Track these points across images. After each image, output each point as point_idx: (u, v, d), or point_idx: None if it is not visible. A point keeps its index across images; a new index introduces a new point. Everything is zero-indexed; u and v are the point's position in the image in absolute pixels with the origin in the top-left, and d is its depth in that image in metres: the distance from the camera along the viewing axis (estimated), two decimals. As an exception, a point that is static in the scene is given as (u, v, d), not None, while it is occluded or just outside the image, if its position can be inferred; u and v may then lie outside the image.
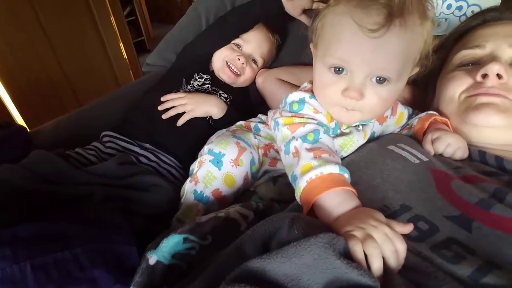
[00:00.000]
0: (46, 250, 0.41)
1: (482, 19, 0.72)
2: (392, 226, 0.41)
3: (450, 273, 0.38)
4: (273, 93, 0.98)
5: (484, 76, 0.62)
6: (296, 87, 0.96)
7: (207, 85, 0.98)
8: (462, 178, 0.53)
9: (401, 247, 0.39)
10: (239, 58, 0.96)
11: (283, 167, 0.66)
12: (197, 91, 0.96)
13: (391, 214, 0.48)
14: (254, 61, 1.01)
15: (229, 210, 0.54)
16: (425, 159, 0.57)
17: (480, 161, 0.60)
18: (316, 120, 0.58)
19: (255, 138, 0.73)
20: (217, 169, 0.64)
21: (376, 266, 0.37)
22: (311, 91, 0.62)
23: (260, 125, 0.75)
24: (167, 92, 0.92)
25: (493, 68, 0.60)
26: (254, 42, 0.99)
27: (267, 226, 0.42)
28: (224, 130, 0.77)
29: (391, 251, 0.38)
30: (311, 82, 0.64)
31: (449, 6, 0.92)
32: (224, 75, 0.98)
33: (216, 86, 0.98)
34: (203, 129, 0.89)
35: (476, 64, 0.66)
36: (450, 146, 0.60)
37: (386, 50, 0.49)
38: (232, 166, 0.65)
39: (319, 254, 0.35)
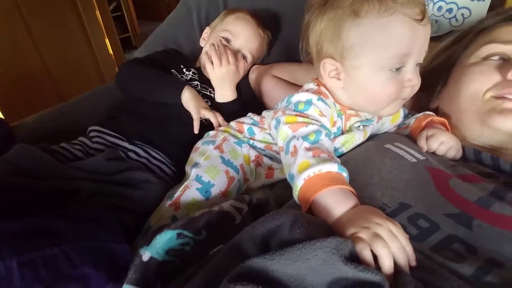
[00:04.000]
0: (33, 246, 0.39)
1: (507, 15, 0.69)
2: (394, 222, 0.41)
3: (453, 271, 0.38)
4: (269, 91, 0.96)
5: None
6: (292, 84, 0.95)
7: (196, 81, 0.95)
8: (460, 177, 0.53)
9: (406, 242, 0.39)
10: None
11: (280, 175, 0.66)
12: None
13: (391, 213, 0.47)
14: (243, 57, 0.99)
15: (222, 204, 0.53)
16: (421, 157, 0.57)
17: (475, 160, 0.60)
18: (319, 122, 0.57)
19: (248, 143, 0.71)
20: (204, 198, 0.62)
21: (387, 265, 0.37)
22: (318, 93, 0.61)
23: (254, 128, 0.72)
24: None
25: None
26: (243, 37, 0.96)
27: (267, 224, 0.41)
28: (213, 133, 0.75)
29: (398, 247, 0.38)
30: (317, 83, 0.63)
31: (439, 8, 0.94)
32: None
33: (205, 83, 0.96)
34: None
35: (506, 60, 0.63)
36: (443, 144, 0.60)
37: (428, 34, 0.56)
38: (220, 197, 0.63)
39: (325, 259, 0.34)
